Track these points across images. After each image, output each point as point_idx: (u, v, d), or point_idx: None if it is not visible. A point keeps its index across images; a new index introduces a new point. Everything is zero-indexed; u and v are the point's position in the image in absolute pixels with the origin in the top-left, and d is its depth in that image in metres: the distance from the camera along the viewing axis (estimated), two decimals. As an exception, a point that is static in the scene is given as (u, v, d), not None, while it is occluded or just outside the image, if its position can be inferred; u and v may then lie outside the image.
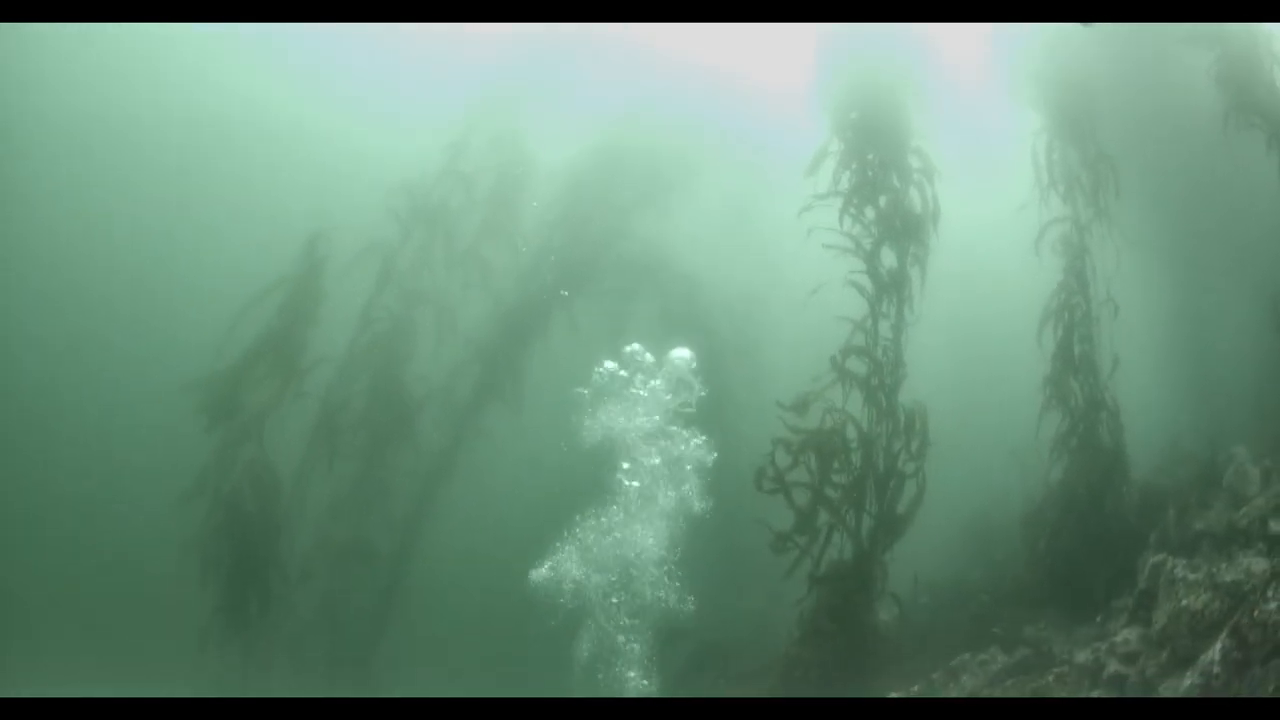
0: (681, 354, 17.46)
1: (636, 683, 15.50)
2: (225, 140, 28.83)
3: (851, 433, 14.87)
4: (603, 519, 16.50)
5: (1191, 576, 10.38)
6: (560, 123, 23.40)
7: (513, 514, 26.90)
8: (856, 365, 15.26)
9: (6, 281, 25.43)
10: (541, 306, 22.85)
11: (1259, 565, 10.05)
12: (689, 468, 16.77)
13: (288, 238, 19.76)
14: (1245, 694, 8.22)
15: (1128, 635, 10.95)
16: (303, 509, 19.58)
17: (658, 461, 16.74)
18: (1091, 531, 14.54)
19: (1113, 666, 10.77)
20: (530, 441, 23.55)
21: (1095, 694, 10.57)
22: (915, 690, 12.58)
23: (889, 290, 15.90)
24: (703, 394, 16.97)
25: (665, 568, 17.87)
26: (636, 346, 17.81)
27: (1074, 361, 15.93)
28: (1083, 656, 11.48)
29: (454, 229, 22.05)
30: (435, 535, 21.94)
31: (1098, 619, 12.60)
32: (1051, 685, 11.02)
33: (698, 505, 16.90)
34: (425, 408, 21.77)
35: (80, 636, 20.60)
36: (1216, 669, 8.60)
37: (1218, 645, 8.78)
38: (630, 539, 16.40)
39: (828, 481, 14.56)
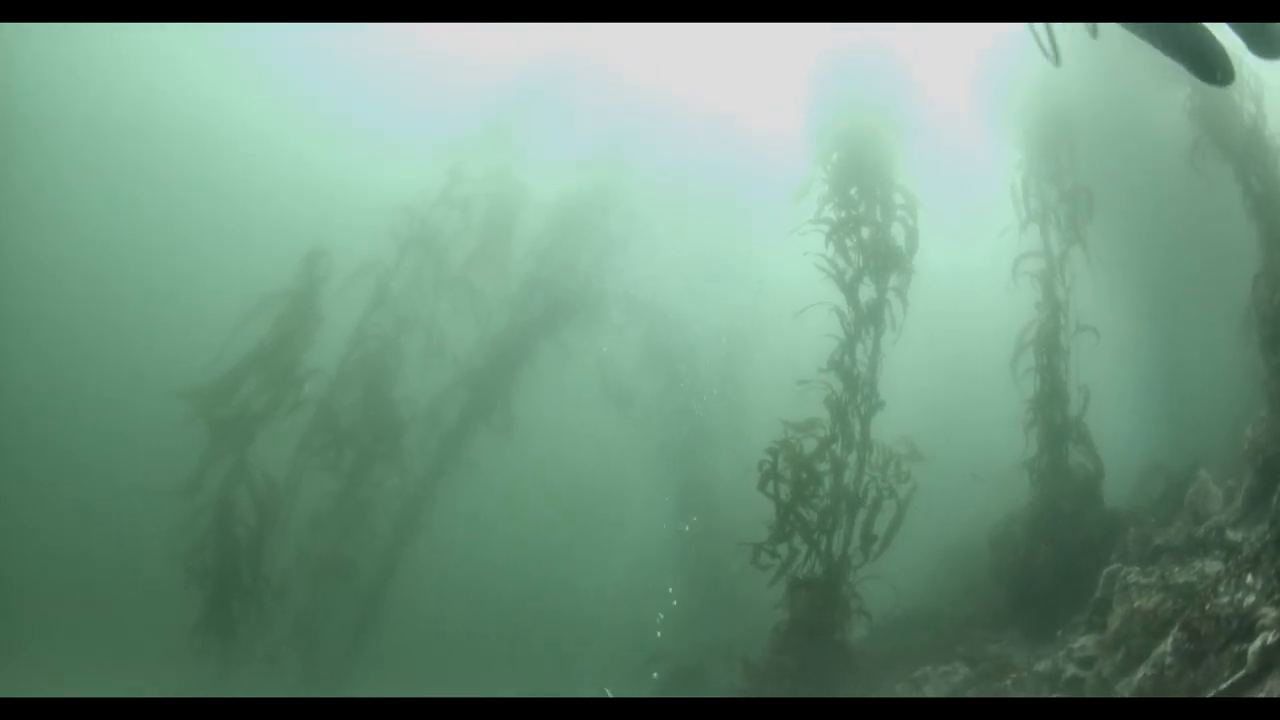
0: None
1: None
2: (234, 159, 29.34)
3: (827, 459, 15.27)
4: None
5: (1144, 581, 10.52)
6: (552, 153, 23.80)
7: (493, 539, 27.06)
8: (835, 382, 15.65)
9: (6, 283, 25.68)
10: (529, 335, 23.10)
11: (1213, 567, 10.06)
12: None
13: (287, 253, 20.05)
14: (1200, 683, 8.34)
15: (1084, 641, 11.16)
16: (286, 523, 19.69)
17: None
18: (1059, 554, 14.76)
19: (1070, 671, 10.95)
20: (513, 467, 23.83)
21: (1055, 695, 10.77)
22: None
23: (867, 321, 16.32)
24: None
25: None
26: None
27: (1052, 385, 16.26)
28: (1042, 665, 11.70)
29: (446, 254, 22.33)
30: (415, 556, 21.97)
31: (1058, 634, 12.79)
32: (1010, 688, 11.27)
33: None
34: (410, 429, 21.92)
35: (62, 635, 20.59)
36: (1169, 660, 8.66)
37: (1169, 639, 8.91)
38: None
39: (800, 501, 14.93)
